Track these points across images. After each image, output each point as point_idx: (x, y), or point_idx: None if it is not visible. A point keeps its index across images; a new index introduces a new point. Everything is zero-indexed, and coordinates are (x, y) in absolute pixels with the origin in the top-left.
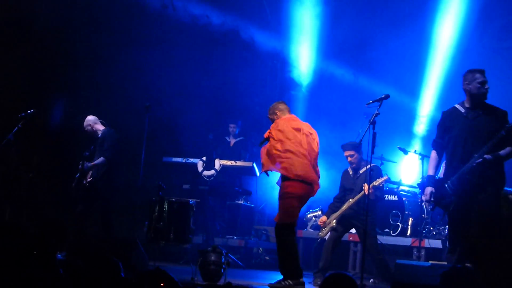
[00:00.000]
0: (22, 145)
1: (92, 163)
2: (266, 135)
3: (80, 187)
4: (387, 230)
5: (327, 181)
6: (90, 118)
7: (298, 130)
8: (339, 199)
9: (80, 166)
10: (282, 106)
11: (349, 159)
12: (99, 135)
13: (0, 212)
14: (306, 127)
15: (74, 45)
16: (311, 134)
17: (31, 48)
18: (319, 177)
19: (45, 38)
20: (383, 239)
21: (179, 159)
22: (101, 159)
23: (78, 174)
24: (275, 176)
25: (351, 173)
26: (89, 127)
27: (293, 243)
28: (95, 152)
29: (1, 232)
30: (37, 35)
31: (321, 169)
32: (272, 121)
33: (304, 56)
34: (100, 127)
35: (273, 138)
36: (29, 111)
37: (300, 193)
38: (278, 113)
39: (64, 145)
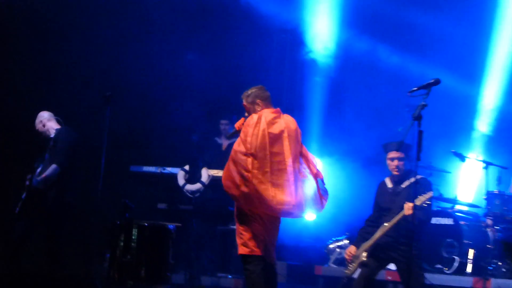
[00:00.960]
0: None
1: (43, 176)
2: (238, 125)
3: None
4: (438, 266)
5: (357, 197)
6: (44, 114)
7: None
8: (373, 223)
9: (27, 182)
10: (266, 94)
11: (395, 163)
12: (51, 135)
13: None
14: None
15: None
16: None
17: None
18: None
19: None
20: (433, 278)
21: (152, 169)
22: (52, 167)
23: (24, 194)
24: None
25: (390, 186)
26: (41, 125)
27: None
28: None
29: None
30: None
31: (348, 180)
32: (248, 111)
33: (326, 32)
34: (54, 125)
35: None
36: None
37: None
38: (261, 104)
39: (8, 153)
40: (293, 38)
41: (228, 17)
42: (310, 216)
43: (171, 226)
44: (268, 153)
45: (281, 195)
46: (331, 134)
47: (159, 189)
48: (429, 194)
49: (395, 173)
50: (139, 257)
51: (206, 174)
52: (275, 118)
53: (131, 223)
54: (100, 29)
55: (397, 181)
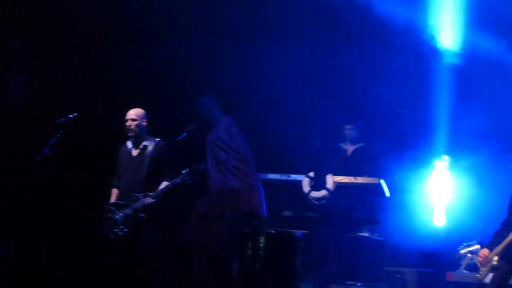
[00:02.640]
0: (61, 162)
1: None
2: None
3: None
4: None
5: (488, 200)
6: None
7: None
8: (508, 226)
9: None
10: None
11: None
12: (145, 142)
13: (36, 253)
14: None
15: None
16: None
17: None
18: None
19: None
20: None
21: (276, 176)
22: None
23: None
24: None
25: None
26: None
27: None
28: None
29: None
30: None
31: (479, 182)
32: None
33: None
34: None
35: None
36: (70, 115)
37: None
38: None
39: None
40: (417, 38)
41: (353, 20)
42: (439, 221)
43: (298, 233)
44: None
45: None
46: (460, 133)
47: (284, 196)
48: None
49: None
50: (267, 265)
51: (331, 180)
52: None
53: (258, 231)
54: (225, 35)
55: None
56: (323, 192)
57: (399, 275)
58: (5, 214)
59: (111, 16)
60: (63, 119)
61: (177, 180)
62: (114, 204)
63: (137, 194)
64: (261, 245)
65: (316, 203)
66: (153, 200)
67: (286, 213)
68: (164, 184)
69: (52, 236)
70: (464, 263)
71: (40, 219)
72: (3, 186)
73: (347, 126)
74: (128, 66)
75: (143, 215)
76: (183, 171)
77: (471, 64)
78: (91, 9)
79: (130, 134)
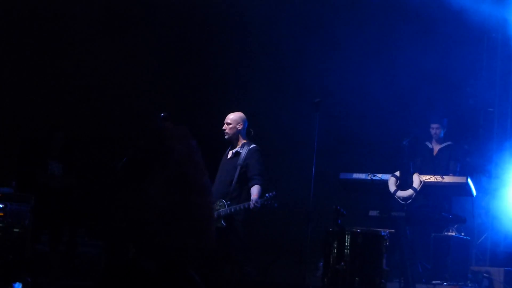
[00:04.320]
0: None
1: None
2: None
3: None
4: None
5: None
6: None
7: None
8: None
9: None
10: None
11: None
12: (240, 147)
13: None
14: None
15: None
16: None
17: None
18: None
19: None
20: None
21: (362, 176)
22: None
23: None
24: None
25: None
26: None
27: None
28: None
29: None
30: None
31: None
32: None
33: None
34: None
35: None
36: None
37: None
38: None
39: None
40: (505, 35)
41: (436, 20)
42: None
43: (384, 232)
44: None
45: None
46: None
47: (370, 196)
48: None
49: None
50: (353, 264)
51: (417, 179)
52: None
53: (344, 230)
54: (310, 35)
55: None
56: (409, 192)
57: (485, 275)
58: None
59: None
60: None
61: (258, 200)
62: None
63: (224, 201)
64: (347, 244)
65: (402, 202)
66: (230, 212)
67: (372, 213)
68: (256, 188)
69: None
70: None
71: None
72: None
73: (433, 125)
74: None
75: (224, 224)
76: (267, 194)
77: None
78: None
79: (225, 137)
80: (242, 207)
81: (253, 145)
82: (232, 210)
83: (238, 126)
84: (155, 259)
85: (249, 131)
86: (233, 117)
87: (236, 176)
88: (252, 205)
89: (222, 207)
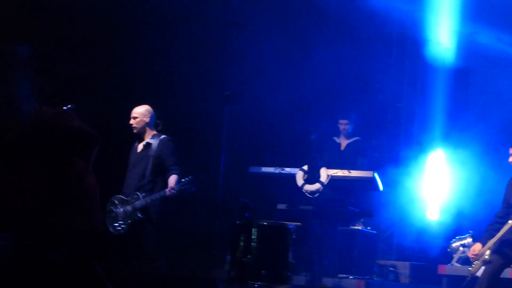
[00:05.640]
0: None
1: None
2: None
3: None
4: None
5: (482, 194)
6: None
7: None
8: (501, 219)
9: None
10: None
11: (510, 159)
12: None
13: None
14: None
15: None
16: None
17: None
18: None
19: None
20: None
21: (271, 169)
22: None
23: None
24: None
25: None
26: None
27: None
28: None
29: None
30: None
31: (473, 176)
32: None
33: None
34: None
35: None
36: (64, 107)
37: None
38: None
39: None
40: (414, 32)
41: (344, 16)
42: (433, 215)
43: (291, 226)
44: None
45: None
46: (455, 128)
47: (278, 190)
48: None
49: None
50: (259, 257)
51: (325, 174)
52: None
53: (251, 223)
54: (219, 28)
55: None
56: (316, 186)
57: (391, 268)
58: None
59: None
60: None
61: (174, 187)
62: (117, 198)
63: (138, 193)
64: (254, 237)
65: (310, 196)
66: (147, 203)
67: (280, 206)
68: (173, 177)
69: None
70: (456, 256)
71: None
72: None
73: (342, 121)
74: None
75: (141, 216)
76: (183, 179)
77: (468, 57)
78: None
79: (134, 132)
80: (158, 196)
81: (163, 136)
82: (148, 200)
83: (145, 119)
84: (54, 248)
85: (157, 123)
86: (139, 111)
87: (149, 168)
88: (168, 192)
89: (137, 199)
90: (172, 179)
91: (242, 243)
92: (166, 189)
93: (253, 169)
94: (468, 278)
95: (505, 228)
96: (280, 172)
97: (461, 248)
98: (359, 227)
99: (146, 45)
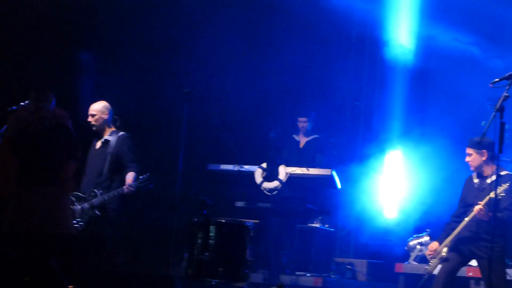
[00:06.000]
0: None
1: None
2: None
3: None
4: None
5: (439, 193)
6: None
7: None
8: (458, 218)
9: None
10: None
11: (466, 159)
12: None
13: None
14: None
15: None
16: None
17: None
18: None
19: None
20: None
21: (229, 167)
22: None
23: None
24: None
25: (476, 181)
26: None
27: None
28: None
29: None
30: None
31: (431, 175)
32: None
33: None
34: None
35: None
36: (22, 103)
37: None
38: None
39: None
40: (373, 30)
41: (304, 15)
42: (390, 213)
43: (249, 223)
44: None
45: None
46: (414, 127)
47: (236, 187)
48: (504, 186)
49: (471, 168)
50: (217, 255)
51: (283, 171)
52: None
53: (209, 220)
54: (179, 26)
55: (483, 176)
56: (275, 183)
57: (349, 266)
58: None
59: None
60: (14, 107)
61: (132, 184)
62: (75, 195)
63: (95, 191)
64: (212, 234)
65: (268, 193)
66: (104, 200)
67: (239, 204)
68: (131, 175)
69: None
70: (413, 254)
71: None
72: None
73: (301, 119)
74: None
75: (98, 213)
76: (141, 177)
77: (426, 56)
78: None
79: (93, 129)
80: (116, 193)
81: (122, 132)
82: (106, 198)
83: (103, 116)
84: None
85: (115, 119)
86: (97, 108)
87: (107, 165)
88: (126, 190)
89: (95, 196)
90: (130, 176)
91: (200, 241)
92: (124, 186)
93: (212, 166)
94: (425, 276)
95: (462, 225)
96: (238, 170)
97: (418, 247)
98: (317, 225)
99: (107, 41)
